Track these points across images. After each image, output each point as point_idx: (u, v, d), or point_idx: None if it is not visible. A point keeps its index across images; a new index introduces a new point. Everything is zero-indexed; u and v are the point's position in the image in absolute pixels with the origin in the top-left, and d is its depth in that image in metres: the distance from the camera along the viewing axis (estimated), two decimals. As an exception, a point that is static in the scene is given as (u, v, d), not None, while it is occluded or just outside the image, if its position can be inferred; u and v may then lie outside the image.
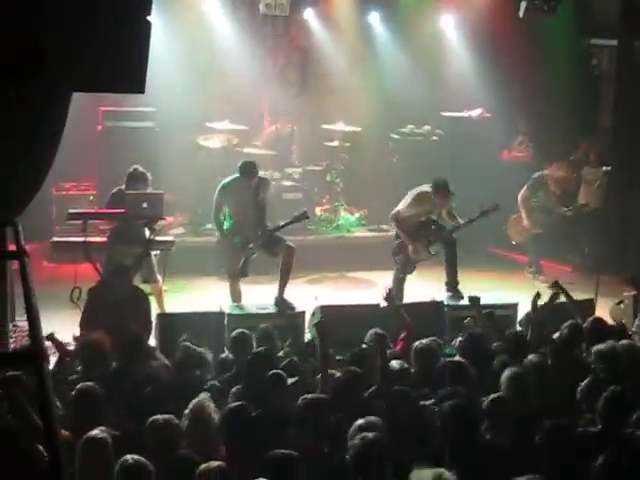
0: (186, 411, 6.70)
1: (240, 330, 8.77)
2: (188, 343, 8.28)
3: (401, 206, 11.79)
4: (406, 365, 8.06)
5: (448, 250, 11.79)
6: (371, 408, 7.08)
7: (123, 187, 11.21)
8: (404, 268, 11.80)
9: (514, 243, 14.81)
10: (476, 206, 12.11)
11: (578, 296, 11.18)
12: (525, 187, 14.37)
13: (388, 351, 8.42)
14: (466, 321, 9.81)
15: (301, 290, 12.30)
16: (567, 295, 9.95)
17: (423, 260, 11.89)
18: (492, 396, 7.11)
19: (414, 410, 7.04)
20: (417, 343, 8.41)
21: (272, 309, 10.94)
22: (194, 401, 6.79)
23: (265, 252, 11.41)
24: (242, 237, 11.33)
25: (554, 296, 9.73)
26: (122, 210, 10.78)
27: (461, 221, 11.74)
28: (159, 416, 6.46)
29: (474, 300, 9.86)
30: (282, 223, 11.57)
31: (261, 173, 11.88)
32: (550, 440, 6.42)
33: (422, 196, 11.70)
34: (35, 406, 5.87)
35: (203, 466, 5.93)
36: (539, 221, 14.50)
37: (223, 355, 8.76)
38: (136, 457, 5.82)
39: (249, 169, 11.37)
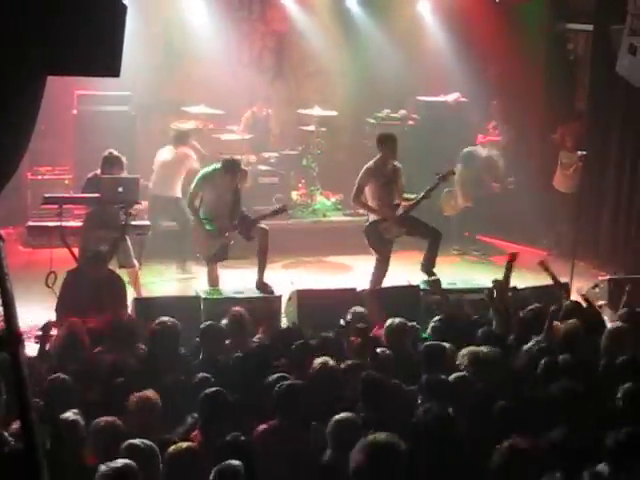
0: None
1: (208, 323, 8.73)
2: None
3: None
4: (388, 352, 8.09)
5: (433, 240, 11.79)
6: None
7: (99, 171, 11.17)
8: (380, 249, 11.71)
9: (445, 214, 14.89)
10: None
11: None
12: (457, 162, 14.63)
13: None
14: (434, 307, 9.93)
15: (277, 275, 12.30)
16: (552, 276, 10.00)
17: (397, 237, 11.81)
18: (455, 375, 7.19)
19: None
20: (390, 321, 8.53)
21: (248, 293, 10.94)
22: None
23: (240, 235, 11.41)
24: (217, 225, 11.32)
25: (508, 273, 9.68)
26: (97, 195, 10.74)
27: (411, 196, 11.78)
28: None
29: (435, 283, 9.96)
30: (260, 215, 11.60)
31: (237, 157, 11.87)
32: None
33: (370, 165, 11.76)
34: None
35: (173, 447, 5.89)
36: (470, 195, 14.62)
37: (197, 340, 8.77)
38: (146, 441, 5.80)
39: (233, 168, 11.35)
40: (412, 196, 11.78)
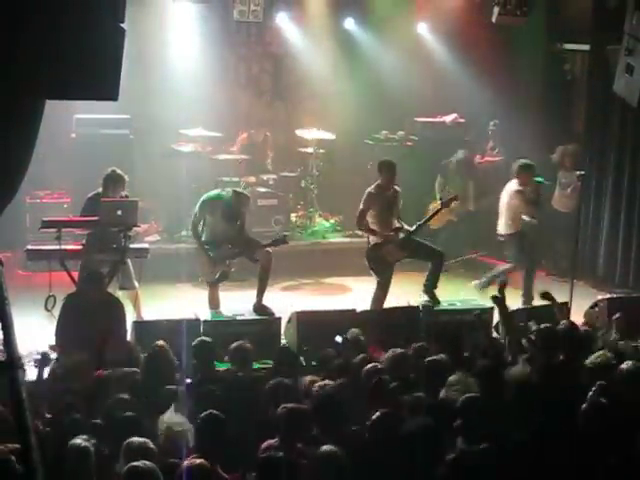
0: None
1: (200, 339, 8.76)
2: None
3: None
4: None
5: (437, 261, 11.82)
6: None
7: (100, 191, 11.18)
8: (381, 273, 11.72)
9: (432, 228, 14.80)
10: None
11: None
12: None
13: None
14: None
15: (277, 297, 12.29)
16: (556, 304, 10.08)
17: (398, 260, 11.84)
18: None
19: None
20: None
21: (248, 316, 10.95)
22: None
23: (244, 257, 11.48)
24: (219, 251, 11.39)
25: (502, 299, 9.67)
26: (96, 218, 10.73)
27: (408, 227, 11.80)
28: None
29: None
30: (262, 243, 11.65)
31: (235, 179, 11.93)
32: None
33: (372, 190, 11.78)
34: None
35: (186, 462, 5.97)
36: (454, 210, 14.64)
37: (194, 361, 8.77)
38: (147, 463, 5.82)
39: (240, 199, 11.57)
40: (411, 228, 11.83)
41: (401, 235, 11.74)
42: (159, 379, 7.95)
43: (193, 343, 8.62)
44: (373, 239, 11.75)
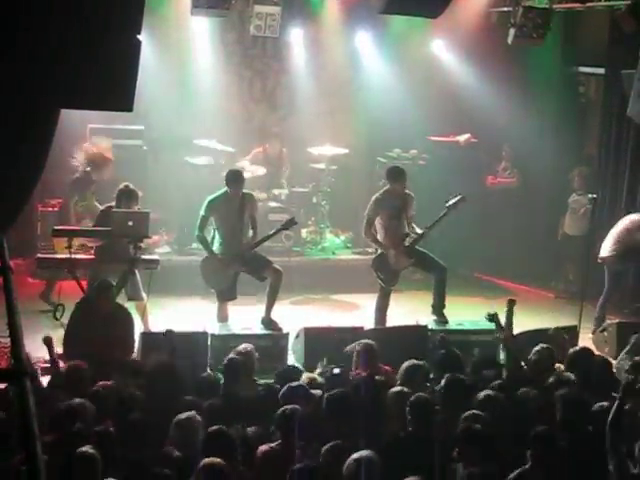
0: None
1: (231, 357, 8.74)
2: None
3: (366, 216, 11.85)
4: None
5: (438, 276, 11.78)
6: None
7: (113, 204, 11.22)
8: (388, 281, 11.74)
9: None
10: (460, 229, 12.11)
11: (562, 323, 11.25)
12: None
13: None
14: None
15: (285, 312, 12.28)
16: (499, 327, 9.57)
17: (405, 268, 11.83)
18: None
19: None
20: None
21: (256, 330, 10.94)
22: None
23: (252, 276, 11.43)
24: (228, 253, 11.34)
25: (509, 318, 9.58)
26: (107, 228, 10.77)
27: (419, 231, 11.73)
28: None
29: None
30: (271, 232, 11.69)
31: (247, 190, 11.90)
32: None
33: (378, 196, 11.80)
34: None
35: (207, 460, 6.15)
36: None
37: (204, 374, 8.77)
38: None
39: (235, 177, 11.38)
40: (419, 231, 11.77)
41: (407, 242, 11.70)
42: (165, 392, 7.96)
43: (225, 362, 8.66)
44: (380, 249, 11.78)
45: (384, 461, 6.42)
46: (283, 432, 7.06)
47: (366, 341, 9.26)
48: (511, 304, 9.55)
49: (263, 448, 7.01)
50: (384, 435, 7.37)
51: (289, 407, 7.23)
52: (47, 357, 8.61)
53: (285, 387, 7.85)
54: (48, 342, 8.52)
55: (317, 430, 7.18)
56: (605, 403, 7.35)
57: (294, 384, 7.94)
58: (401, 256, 11.67)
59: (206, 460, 6.18)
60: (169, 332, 9.24)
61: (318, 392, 8.00)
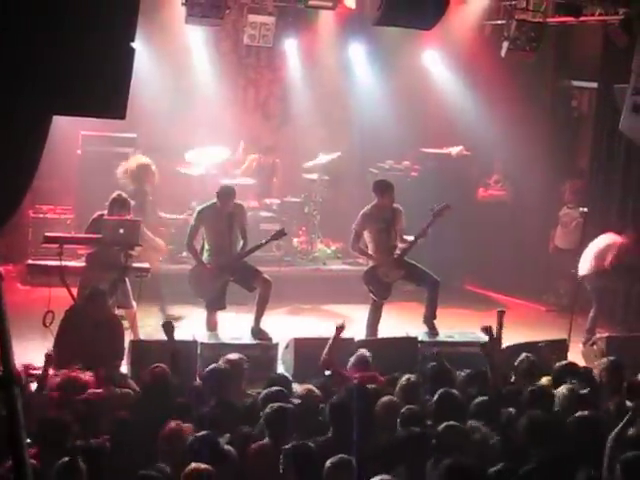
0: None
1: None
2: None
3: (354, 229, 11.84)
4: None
5: (431, 290, 11.78)
6: None
7: (105, 212, 11.21)
8: (380, 294, 11.74)
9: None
10: (449, 241, 12.07)
11: (553, 336, 11.26)
12: None
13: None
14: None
15: (275, 322, 12.25)
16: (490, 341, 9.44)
17: (396, 280, 11.83)
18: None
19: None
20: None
21: (246, 339, 10.93)
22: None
23: (242, 286, 11.42)
24: (218, 263, 11.32)
25: (499, 329, 9.56)
26: (98, 235, 10.77)
27: (409, 239, 11.73)
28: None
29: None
30: (262, 241, 11.66)
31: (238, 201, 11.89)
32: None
33: (367, 211, 11.79)
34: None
35: (193, 465, 6.13)
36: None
37: (195, 383, 8.75)
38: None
39: (226, 192, 11.37)
40: (410, 238, 11.76)
41: (396, 254, 11.70)
42: (157, 400, 7.95)
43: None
44: (370, 261, 11.78)
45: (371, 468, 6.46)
46: (272, 429, 7.16)
47: (362, 351, 9.31)
48: (501, 315, 9.55)
49: (254, 446, 7.08)
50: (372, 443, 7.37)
51: (276, 405, 7.33)
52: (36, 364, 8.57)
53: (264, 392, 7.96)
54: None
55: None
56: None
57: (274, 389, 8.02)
58: (392, 268, 11.67)
59: (192, 465, 6.17)
60: (167, 324, 9.23)
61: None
